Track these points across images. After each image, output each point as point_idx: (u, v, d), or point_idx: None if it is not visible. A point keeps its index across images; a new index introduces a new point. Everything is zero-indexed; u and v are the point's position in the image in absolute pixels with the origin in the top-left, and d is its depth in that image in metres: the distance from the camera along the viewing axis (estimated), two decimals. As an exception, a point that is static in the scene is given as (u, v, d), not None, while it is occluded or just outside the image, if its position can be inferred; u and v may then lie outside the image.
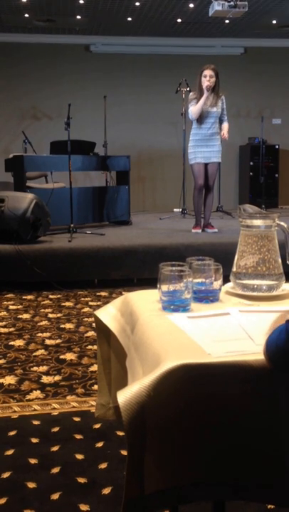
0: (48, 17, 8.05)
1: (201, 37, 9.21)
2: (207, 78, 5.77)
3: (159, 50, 9.32)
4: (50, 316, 4.08)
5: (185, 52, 9.18)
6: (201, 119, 5.84)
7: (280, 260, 1.59)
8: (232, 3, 6.37)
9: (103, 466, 2.04)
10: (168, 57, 9.32)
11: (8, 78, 9.00)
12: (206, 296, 1.54)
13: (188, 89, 7.25)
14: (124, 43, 9.18)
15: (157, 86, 9.15)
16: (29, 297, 4.63)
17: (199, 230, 6.00)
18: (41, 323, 3.89)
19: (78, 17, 8.05)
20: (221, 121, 5.92)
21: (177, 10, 7.78)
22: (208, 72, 5.78)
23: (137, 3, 7.46)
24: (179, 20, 8.30)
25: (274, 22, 8.40)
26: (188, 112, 5.97)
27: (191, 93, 6.08)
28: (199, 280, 1.53)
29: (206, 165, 5.91)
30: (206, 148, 5.88)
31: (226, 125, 5.93)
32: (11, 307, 4.33)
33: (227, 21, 8.08)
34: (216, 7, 6.46)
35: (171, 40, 9.27)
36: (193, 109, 5.81)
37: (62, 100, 7.95)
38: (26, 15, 7.92)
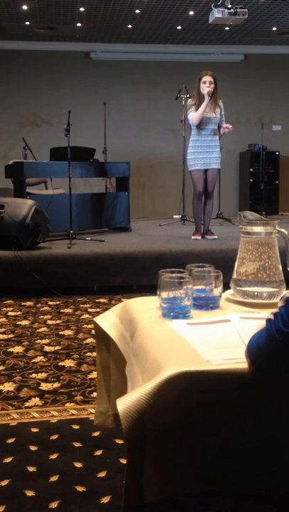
0: (48, 24, 8.08)
1: (201, 44, 9.24)
2: (207, 84, 5.77)
3: (159, 57, 9.35)
4: (49, 322, 4.07)
5: (185, 60, 9.21)
6: (201, 125, 5.83)
7: (280, 267, 1.59)
8: (232, 10, 6.39)
9: (102, 474, 2.02)
10: (168, 64, 9.35)
11: (8, 85, 9.02)
12: (206, 303, 1.53)
13: (188, 95, 7.25)
14: (125, 50, 9.21)
15: (157, 93, 9.18)
16: (28, 303, 4.62)
17: (199, 237, 5.98)
18: (40, 330, 3.87)
19: (79, 24, 8.08)
20: (220, 128, 5.92)
21: (177, 17, 7.80)
22: (207, 79, 5.78)
23: (137, 11, 7.48)
24: (179, 28, 8.32)
25: (274, 29, 8.43)
26: (188, 118, 5.97)
27: (189, 100, 6.08)
28: (199, 287, 1.53)
29: (205, 171, 5.91)
30: (205, 154, 5.87)
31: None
32: (10, 313, 4.32)
33: (227, 28, 8.11)
34: (216, 14, 6.47)
35: (171, 47, 9.30)
36: (195, 115, 5.79)
37: (62, 107, 7.97)
38: (27, 22, 7.95)
